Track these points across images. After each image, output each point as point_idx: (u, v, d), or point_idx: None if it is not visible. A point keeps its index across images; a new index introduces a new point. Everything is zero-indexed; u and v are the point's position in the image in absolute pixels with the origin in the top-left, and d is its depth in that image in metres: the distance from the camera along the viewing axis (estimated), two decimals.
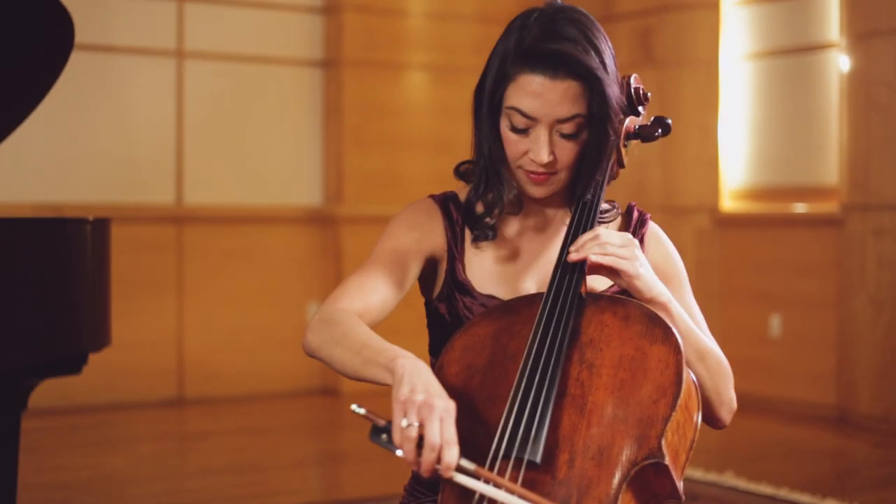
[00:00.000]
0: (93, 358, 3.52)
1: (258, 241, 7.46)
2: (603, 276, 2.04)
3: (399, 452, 1.76)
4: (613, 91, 2.07)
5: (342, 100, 7.62)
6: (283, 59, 7.62)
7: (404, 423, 1.75)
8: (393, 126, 7.80)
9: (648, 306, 2.01)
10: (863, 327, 6.42)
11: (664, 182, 7.50)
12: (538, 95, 2.03)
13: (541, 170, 2.09)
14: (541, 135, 2.06)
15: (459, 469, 1.76)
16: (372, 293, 2.11)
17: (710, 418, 2.12)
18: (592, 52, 2.07)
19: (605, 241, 1.99)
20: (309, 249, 7.60)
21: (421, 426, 1.75)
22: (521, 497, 1.75)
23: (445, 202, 2.24)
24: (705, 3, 7.44)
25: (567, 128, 2.05)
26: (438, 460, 1.75)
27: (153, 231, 7.18)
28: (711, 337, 2.16)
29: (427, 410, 1.76)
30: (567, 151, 2.08)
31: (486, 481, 1.77)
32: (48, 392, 5.08)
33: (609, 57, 2.11)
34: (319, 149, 7.76)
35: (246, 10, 7.49)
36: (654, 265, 2.16)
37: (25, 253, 3.21)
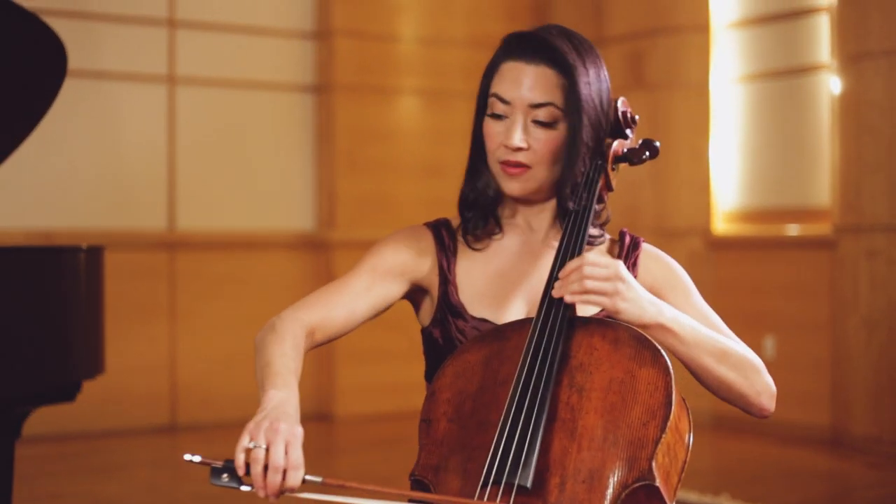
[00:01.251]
0: (86, 385, 3.52)
1: (251, 266, 7.45)
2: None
3: (244, 487, 1.78)
4: (589, 90, 2.11)
5: (334, 124, 7.63)
6: (275, 85, 7.64)
7: (251, 444, 1.78)
8: (385, 150, 7.81)
9: (647, 332, 2.01)
10: (856, 348, 6.42)
11: (656, 205, 7.51)
12: (514, 79, 2.12)
13: (513, 158, 2.11)
14: (516, 119, 2.11)
15: (306, 485, 1.78)
16: (337, 306, 2.14)
17: (753, 409, 2.13)
18: (573, 50, 2.12)
19: (588, 275, 1.96)
20: (302, 274, 7.59)
21: (267, 449, 1.78)
22: (380, 498, 1.77)
23: (438, 228, 2.26)
24: (696, 26, 7.47)
25: (540, 114, 2.10)
26: (283, 482, 1.77)
27: (145, 257, 7.17)
28: (732, 334, 2.16)
29: (272, 434, 1.80)
30: (541, 142, 2.11)
31: (338, 492, 1.79)
32: (41, 419, 5.07)
33: (592, 65, 2.14)
34: (312, 173, 7.76)
35: (237, 36, 7.50)
36: (655, 280, 2.19)
37: (20, 282, 3.21)
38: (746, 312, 7.06)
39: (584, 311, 2.14)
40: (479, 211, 2.22)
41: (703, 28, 7.46)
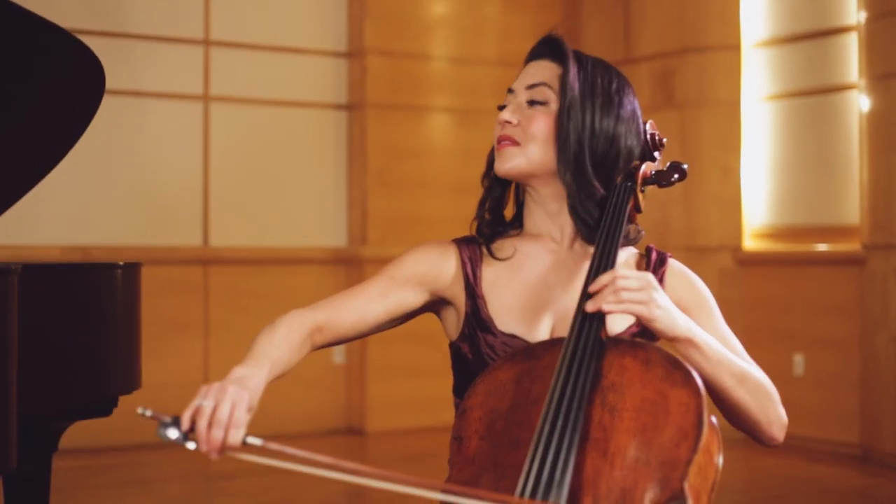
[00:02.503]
0: (121, 398, 3.56)
1: (284, 282, 7.50)
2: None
3: (189, 444, 1.84)
4: (585, 80, 2.20)
5: (366, 142, 7.68)
6: (308, 103, 7.70)
7: (199, 402, 1.86)
8: (416, 168, 7.85)
9: (674, 345, 2.04)
10: (886, 365, 6.41)
11: (686, 222, 7.52)
12: (522, 73, 2.27)
13: (502, 133, 2.22)
14: (512, 100, 2.24)
15: (246, 447, 1.84)
16: (347, 309, 2.19)
17: (763, 437, 2.15)
18: (578, 53, 2.24)
19: (621, 287, 1.99)
20: (334, 290, 7.62)
21: (215, 408, 1.85)
22: (312, 465, 1.83)
23: (463, 241, 2.29)
24: (725, 45, 7.48)
25: (534, 94, 2.21)
26: (225, 440, 1.83)
27: (180, 273, 7.23)
28: (751, 361, 2.17)
29: (221, 394, 1.87)
30: (531, 119, 2.20)
31: (276, 455, 1.83)
32: (78, 433, 5.12)
33: (600, 70, 2.24)
34: (344, 191, 7.81)
35: (271, 55, 7.57)
36: (679, 299, 2.20)
37: (58, 298, 3.25)
38: (776, 330, 7.06)
39: (616, 323, 2.17)
40: (497, 214, 2.30)
41: (732, 47, 7.48)
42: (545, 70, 2.24)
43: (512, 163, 2.21)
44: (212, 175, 7.37)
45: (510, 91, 2.26)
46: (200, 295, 7.30)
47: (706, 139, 7.48)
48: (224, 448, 1.85)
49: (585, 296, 2.04)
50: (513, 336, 2.18)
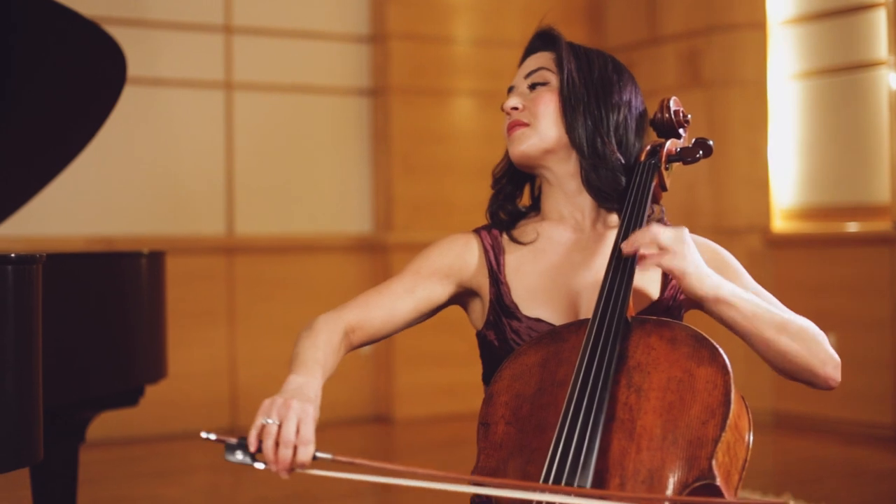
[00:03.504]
0: (147, 389, 3.55)
1: (309, 269, 7.48)
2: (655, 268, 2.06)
3: (258, 465, 1.83)
4: (572, 56, 2.24)
5: (390, 127, 7.65)
6: (331, 89, 7.66)
7: (264, 420, 1.83)
8: (441, 152, 7.82)
9: (707, 306, 2.04)
10: None
11: (714, 203, 7.46)
12: (519, 69, 2.35)
13: (511, 119, 2.25)
14: (513, 95, 2.28)
15: (316, 462, 1.82)
16: (376, 307, 2.20)
17: (819, 381, 2.12)
18: (571, 43, 2.28)
19: (658, 233, 2.01)
20: (359, 277, 7.61)
21: (280, 426, 1.82)
22: (382, 473, 1.82)
23: (485, 230, 2.30)
24: (752, 23, 7.42)
25: (534, 78, 2.26)
26: (294, 458, 1.82)
27: (204, 262, 7.22)
28: (787, 309, 2.17)
29: (285, 410, 1.84)
30: (535, 100, 2.23)
31: (349, 468, 1.82)
32: (105, 423, 5.12)
33: (595, 56, 2.27)
34: (368, 176, 7.78)
35: (293, 41, 7.54)
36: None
37: (83, 288, 3.24)
38: (806, 310, 6.93)
39: (650, 286, 2.18)
40: (512, 205, 2.32)
41: (759, 25, 7.41)
42: (540, 59, 2.29)
43: (527, 143, 2.23)
44: (235, 163, 7.35)
45: (510, 89, 2.30)
46: (225, 283, 7.28)
47: (734, 119, 7.42)
48: (294, 466, 1.83)
49: (614, 261, 2.05)
50: (538, 320, 2.18)
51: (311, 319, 2.16)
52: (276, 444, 1.83)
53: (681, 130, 2.28)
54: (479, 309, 2.26)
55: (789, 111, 7.36)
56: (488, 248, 2.25)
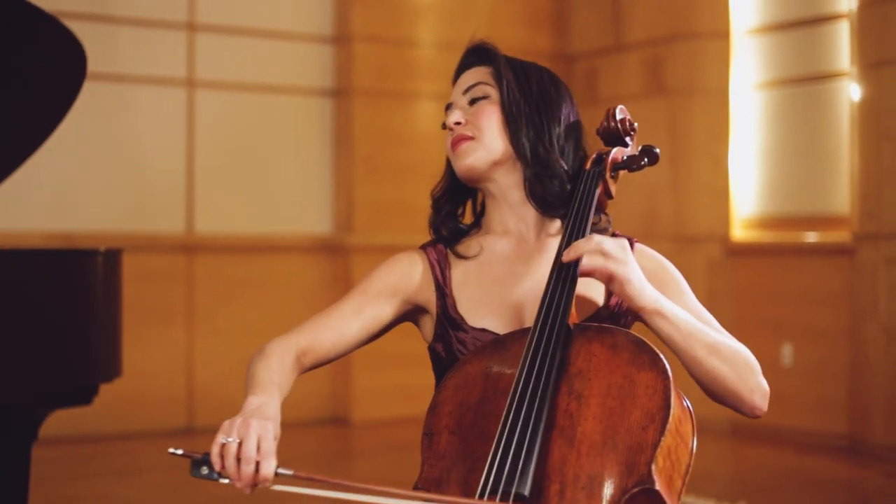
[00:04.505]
0: (103, 387, 3.52)
1: (269, 269, 7.45)
2: (596, 279, 2.05)
3: (223, 480, 1.87)
4: (510, 69, 2.25)
5: (353, 129, 7.63)
6: (294, 89, 7.64)
7: (225, 439, 1.87)
8: (404, 155, 7.81)
9: (643, 316, 2.04)
10: (875, 356, 6.39)
11: (675, 211, 7.49)
12: (455, 86, 2.32)
13: (455, 134, 2.24)
14: (452, 112, 2.27)
15: (278, 478, 1.86)
16: (325, 330, 2.22)
17: (745, 408, 2.09)
18: (508, 58, 2.28)
19: (600, 242, 2.00)
20: (319, 278, 7.59)
21: (240, 444, 1.86)
22: (346, 490, 1.84)
23: (429, 245, 2.31)
24: (715, 33, 7.45)
25: (473, 93, 2.25)
26: (257, 474, 1.85)
27: (164, 260, 7.18)
28: (726, 333, 2.15)
29: (244, 429, 1.88)
30: (477, 114, 2.23)
31: (309, 484, 1.86)
32: (57, 421, 5.08)
33: (532, 67, 2.28)
34: (330, 178, 7.76)
35: (256, 40, 7.51)
36: (647, 276, 2.17)
37: (38, 285, 3.21)
38: (764, 319, 7.03)
39: (594, 293, 2.19)
40: (453, 222, 2.32)
41: (722, 34, 7.44)
42: (476, 74, 2.29)
43: (473, 156, 2.23)
44: (196, 161, 7.32)
45: (448, 107, 2.30)
46: (184, 282, 7.25)
47: (696, 128, 7.44)
48: (257, 482, 1.87)
49: (556, 269, 2.05)
50: (483, 330, 2.19)
51: (262, 345, 2.18)
52: (238, 460, 1.87)
53: (627, 139, 2.29)
54: (429, 323, 2.27)
55: (751, 121, 7.40)
56: (433, 262, 2.26)
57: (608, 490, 1.84)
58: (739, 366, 2.07)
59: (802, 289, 6.94)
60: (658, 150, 2.25)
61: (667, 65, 7.60)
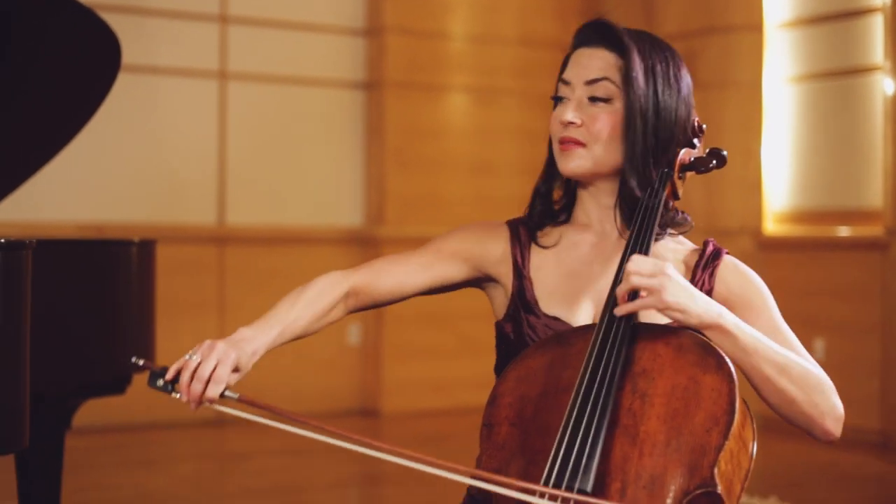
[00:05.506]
0: (135, 377, 3.54)
1: (299, 261, 7.47)
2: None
3: (175, 395, 2.01)
4: (646, 76, 2.14)
5: (384, 121, 7.64)
6: (326, 81, 7.65)
7: (188, 356, 2.01)
8: (434, 148, 7.81)
9: (703, 332, 1.99)
10: None
11: (707, 205, 7.46)
12: (576, 62, 2.18)
13: (566, 134, 2.15)
14: (573, 97, 2.16)
15: (223, 399, 2.00)
16: (387, 275, 2.23)
17: (816, 431, 2.04)
18: (632, 36, 2.17)
19: (633, 271, 1.95)
20: None
21: (200, 363, 1.98)
22: (287, 421, 1.99)
23: (515, 223, 2.28)
24: (749, 26, 7.42)
25: (596, 90, 2.14)
26: (203, 393, 1.97)
27: (195, 251, 7.21)
28: (806, 356, 2.08)
29: (209, 351, 2.00)
30: (595, 119, 2.13)
31: (253, 411, 1.99)
32: (91, 411, 5.10)
33: (658, 57, 2.18)
34: (361, 170, 7.77)
35: (288, 32, 7.52)
36: (730, 293, 2.15)
37: (73, 275, 3.23)
38: (796, 314, 6.99)
39: (649, 317, 2.12)
40: (548, 204, 2.26)
41: (755, 28, 7.41)
42: (601, 61, 2.16)
43: (578, 163, 2.15)
44: (228, 153, 7.34)
45: (565, 82, 2.19)
46: (216, 274, 7.27)
47: (729, 121, 7.42)
48: (203, 400, 1.99)
49: (617, 282, 2.02)
50: (555, 318, 2.17)
51: (323, 276, 2.25)
52: (191, 378, 1.98)
53: (695, 140, 2.25)
54: (501, 298, 2.25)
55: (784, 114, 7.36)
56: (516, 240, 2.23)
57: (670, 491, 1.83)
58: (810, 387, 2.01)
59: (834, 283, 6.91)
60: (726, 153, 2.22)
61: (700, 58, 7.57)
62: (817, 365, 2.06)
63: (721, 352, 1.94)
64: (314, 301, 2.19)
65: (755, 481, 5.59)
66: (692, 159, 2.22)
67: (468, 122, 7.93)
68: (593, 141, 2.14)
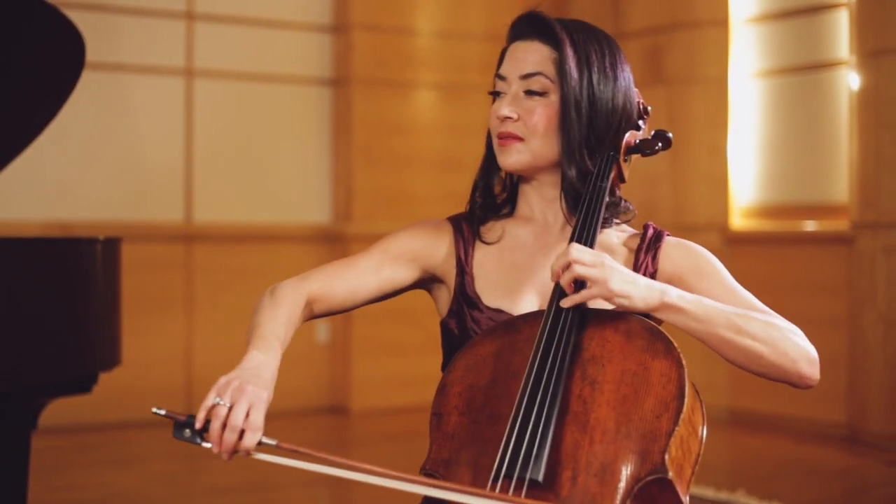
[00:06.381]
0: (102, 376, 3.52)
1: (267, 259, 7.45)
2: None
3: (205, 444, 1.83)
4: (581, 66, 2.13)
5: (351, 118, 7.63)
6: (293, 78, 7.63)
7: (216, 400, 1.83)
8: (402, 144, 7.80)
9: (657, 315, 1.99)
10: (874, 345, 6.39)
11: (674, 200, 7.49)
12: (511, 57, 2.18)
13: (503, 129, 2.15)
14: (509, 92, 2.16)
15: (260, 447, 1.83)
16: (341, 281, 2.20)
17: (793, 379, 2.02)
18: (565, 28, 2.16)
19: (575, 259, 1.95)
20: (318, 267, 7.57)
21: (231, 408, 1.82)
22: (330, 464, 1.81)
23: (458, 220, 2.28)
24: (715, 21, 7.44)
25: (531, 84, 2.14)
26: (239, 442, 1.82)
27: (162, 249, 7.18)
28: (765, 309, 2.07)
29: (238, 394, 1.85)
30: (531, 112, 2.14)
31: (292, 456, 1.83)
32: (57, 411, 5.08)
33: (594, 48, 2.16)
34: (328, 167, 7.76)
35: (255, 29, 7.50)
36: (677, 268, 2.16)
37: (37, 273, 3.21)
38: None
39: (596, 304, 2.13)
40: (489, 198, 2.26)
41: (721, 23, 7.43)
42: (536, 54, 2.17)
43: (516, 158, 2.16)
44: (195, 150, 7.31)
45: (501, 77, 2.19)
46: (183, 272, 7.25)
47: (694, 116, 7.44)
48: (238, 449, 1.84)
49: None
50: (498, 311, 2.17)
51: (274, 286, 2.15)
52: (224, 426, 1.83)
53: (640, 122, 2.25)
54: (445, 297, 2.25)
55: (750, 109, 7.39)
56: (459, 237, 2.23)
57: (621, 477, 1.83)
58: (774, 338, 2.00)
59: (801, 278, 6.94)
60: (671, 135, 2.24)
61: (666, 53, 7.60)
62: (779, 316, 2.05)
63: (669, 336, 1.95)
64: (290, 314, 2.12)
65: (723, 475, 5.62)
66: (637, 141, 2.23)
67: (436, 119, 7.92)
68: (530, 135, 2.14)
